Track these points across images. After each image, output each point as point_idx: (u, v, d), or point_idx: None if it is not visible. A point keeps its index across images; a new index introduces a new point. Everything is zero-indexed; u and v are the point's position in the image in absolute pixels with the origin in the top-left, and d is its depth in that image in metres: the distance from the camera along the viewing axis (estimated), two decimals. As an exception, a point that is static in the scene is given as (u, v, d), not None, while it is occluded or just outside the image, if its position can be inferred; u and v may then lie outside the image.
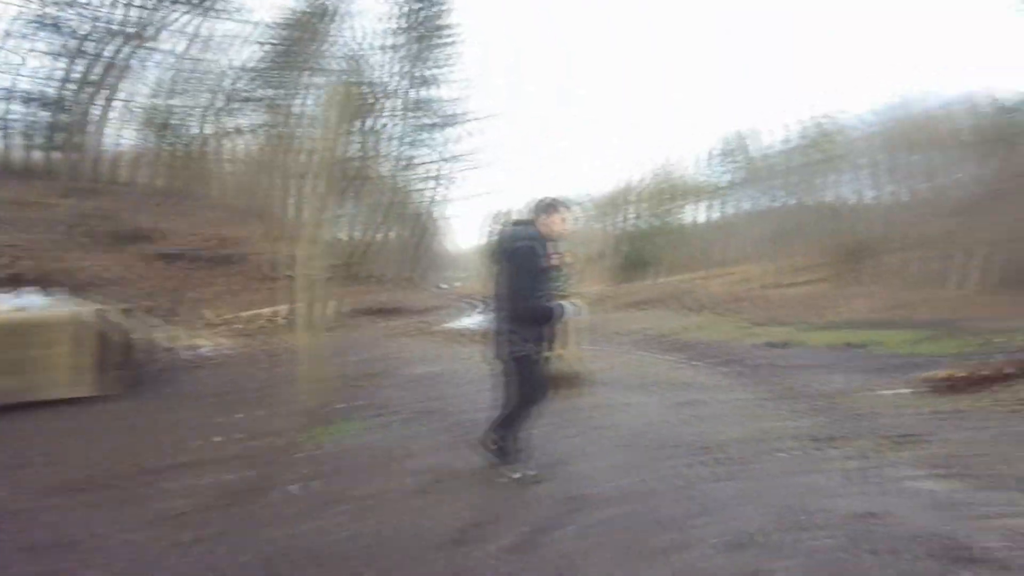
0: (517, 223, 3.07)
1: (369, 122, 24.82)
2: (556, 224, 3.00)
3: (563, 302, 2.96)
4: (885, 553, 2.34)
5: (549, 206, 3.00)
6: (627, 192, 45.84)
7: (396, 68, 26.58)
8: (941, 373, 7.54)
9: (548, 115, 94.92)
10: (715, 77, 75.41)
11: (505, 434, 3.10)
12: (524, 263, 2.81)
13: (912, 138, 33.14)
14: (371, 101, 24.01)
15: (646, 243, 43.73)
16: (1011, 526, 2.66)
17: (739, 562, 2.26)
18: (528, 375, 2.95)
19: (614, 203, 45.99)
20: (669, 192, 45.08)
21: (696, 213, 46.05)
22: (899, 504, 3.00)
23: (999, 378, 7.03)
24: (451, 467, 3.24)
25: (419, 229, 32.47)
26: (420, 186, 31.81)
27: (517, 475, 3.09)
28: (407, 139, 29.22)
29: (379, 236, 28.51)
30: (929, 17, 61.20)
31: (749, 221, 42.78)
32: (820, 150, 38.08)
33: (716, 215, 43.66)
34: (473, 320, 17.16)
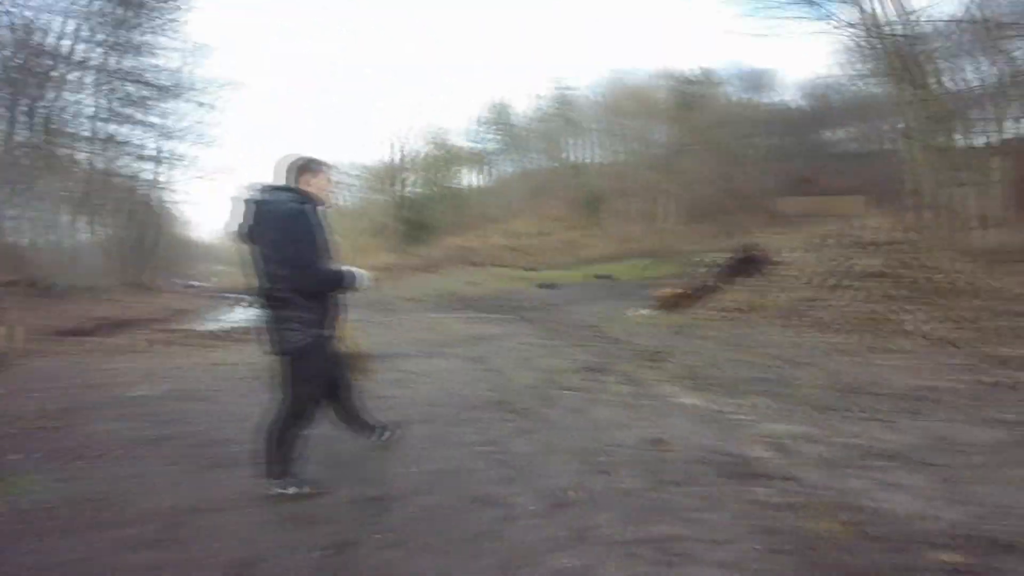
0: (272, 188, 2.48)
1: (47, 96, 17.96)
2: (323, 184, 2.54)
3: (352, 268, 2.50)
4: (687, 484, 2.51)
5: (308, 165, 2.51)
6: (402, 161, 44.96)
7: (86, 33, 19.55)
8: (667, 291, 9.26)
9: (303, 84, 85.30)
10: (475, 47, 77.47)
11: (282, 442, 2.48)
12: (297, 228, 2.33)
13: (625, 106, 40.02)
14: (40, 72, 17.32)
15: (427, 209, 44.05)
16: (766, 433, 3.12)
17: (564, 524, 2.14)
18: (308, 368, 2.46)
19: (389, 172, 44.67)
20: (444, 159, 45.91)
21: (470, 178, 48.17)
22: (675, 425, 3.31)
23: (706, 289, 8.98)
24: (199, 501, 2.41)
25: (144, 221, 25.38)
26: (135, 170, 24.82)
27: (292, 490, 2.47)
28: (107, 116, 22.22)
29: (78, 236, 21.48)
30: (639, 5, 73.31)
31: (513, 182, 46.71)
32: (562, 117, 43.38)
33: (487, 178, 46.34)
34: (234, 318, 14.61)
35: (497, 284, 19.20)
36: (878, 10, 11.24)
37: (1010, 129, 10.47)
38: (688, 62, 54.29)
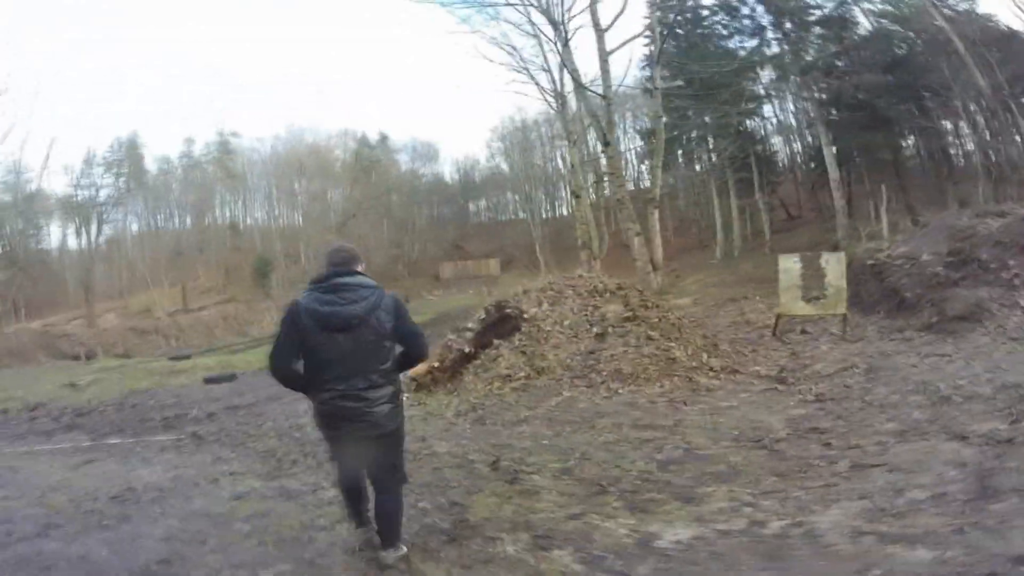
0: (352, 272, 2.41)
1: None
2: None
3: None
4: None
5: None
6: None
7: None
8: (420, 368, 7.09)
9: None
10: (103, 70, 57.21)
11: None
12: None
13: (302, 164, 36.44)
14: None
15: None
16: None
17: None
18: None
19: None
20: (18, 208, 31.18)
21: (67, 235, 33.94)
22: None
23: (464, 358, 7.28)
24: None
25: None
26: None
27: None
28: None
29: None
30: (321, 59, 69.54)
31: (141, 242, 35.55)
32: (221, 168, 36.06)
33: (97, 237, 33.46)
34: None
35: (127, 384, 12.44)
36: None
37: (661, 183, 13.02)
38: (366, 125, 54.64)
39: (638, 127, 31.99)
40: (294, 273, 35.62)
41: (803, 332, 8.72)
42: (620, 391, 5.40)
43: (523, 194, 36.50)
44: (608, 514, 2.93)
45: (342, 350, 2.25)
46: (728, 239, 26.68)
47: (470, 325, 7.59)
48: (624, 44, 13.95)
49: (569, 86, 13.93)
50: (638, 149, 30.93)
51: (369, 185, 35.19)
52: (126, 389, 11.41)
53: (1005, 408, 3.70)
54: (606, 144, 11.48)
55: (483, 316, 7.52)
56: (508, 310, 7.42)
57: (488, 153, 39.49)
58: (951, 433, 3.47)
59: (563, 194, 41.39)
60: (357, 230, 34.08)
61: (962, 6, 17.96)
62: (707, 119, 21.70)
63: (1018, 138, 17.58)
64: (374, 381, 2.30)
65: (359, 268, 2.44)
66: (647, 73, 15.52)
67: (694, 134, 26.73)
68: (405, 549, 2.49)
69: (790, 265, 8.48)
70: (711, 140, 24.18)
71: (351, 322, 2.25)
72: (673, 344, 6.42)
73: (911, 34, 18.81)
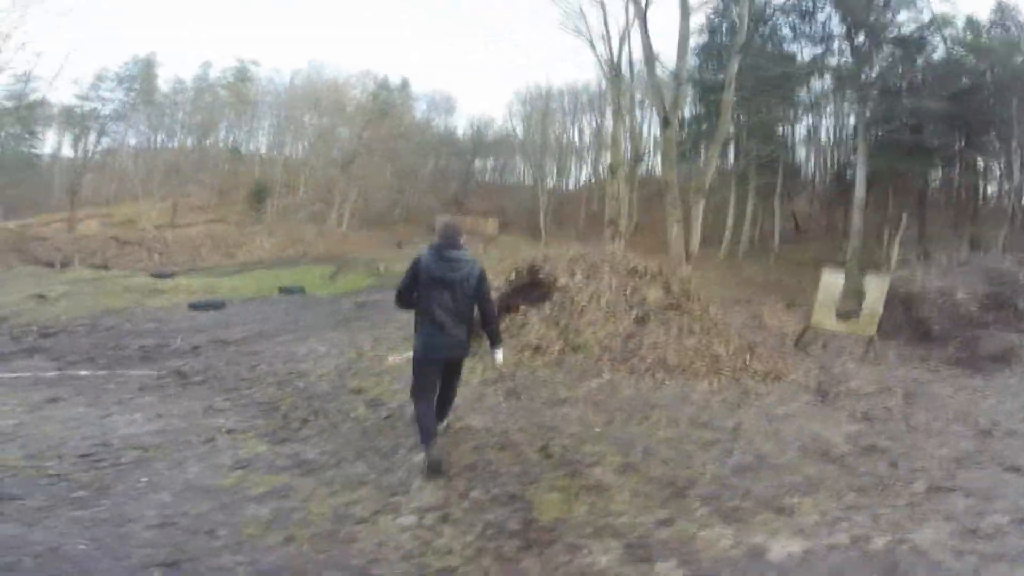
0: (458, 245, 3.26)
1: None
2: None
3: None
4: None
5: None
6: None
7: None
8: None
9: None
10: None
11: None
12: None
13: (318, 98, 34.54)
14: None
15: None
16: None
17: None
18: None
19: None
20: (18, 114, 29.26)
21: (62, 143, 32.16)
22: None
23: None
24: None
25: None
26: None
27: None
28: None
29: None
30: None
31: (137, 157, 33.86)
32: (234, 92, 34.02)
33: (90, 149, 31.67)
34: None
35: (101, 301, 11.44)
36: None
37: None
38: (389, 69, 52.27)
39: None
40: (290, 202, 34.26)
41: (824, 347, 8.41)
42: (666, 382, 4.91)
43: (534, 160, 35.35)
44: (700, 521, 2.59)
45: (443, 298, 3.15)
46: (734, 240, 26.25)
47: (496, 285, 6.97)
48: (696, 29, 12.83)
49: (626, 58, 13.13)
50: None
51: (381, 128, 33.59)
52: (100, 307, 10.55)
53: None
54: (666, 124, 10.70)
55: (512, 277, 6.91)
56: (541, 275, 6.81)
57: (506, 114, 37.94)
58: (1005, 465, 3.50)
59: (572, 168, 40.46)
60: (360, 170, 32.72)
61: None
62: (742, 117, 20.87)
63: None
64: (461, 322, 3.21)
65: (462, 241, 3.28)
66: (695, 62, 14.54)
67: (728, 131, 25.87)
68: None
69: (832, 280, 8.14)
70: (744, 138, 23.31)
71: (452, 282, 3.15)
72: (715, 340, 5.94)
73: (982, 66, 18.10)
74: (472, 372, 5.17)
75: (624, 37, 13.63)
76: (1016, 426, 4.31)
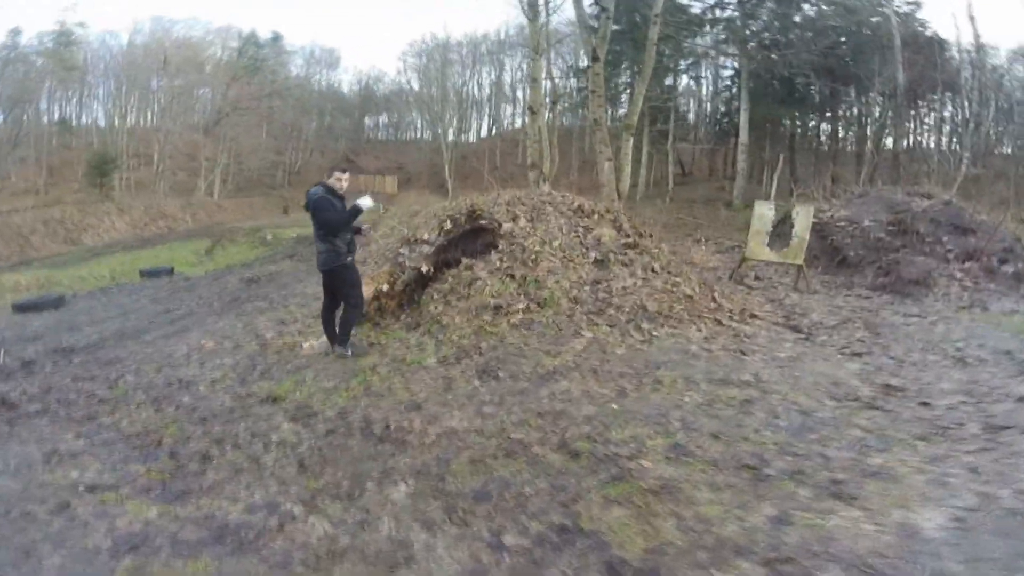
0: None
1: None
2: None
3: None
4: None
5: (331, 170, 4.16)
6: None
7: None
8: (367, 293, 5.14)
9: None
10: None
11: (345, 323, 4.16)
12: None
13: (165, 60, 28.30)
14: None
15: None
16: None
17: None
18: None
19: None
20: None
21: None
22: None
23: (424, 279, 5.43)
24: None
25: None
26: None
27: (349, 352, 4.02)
28: None
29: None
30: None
31: None
32: (55, 60, 26.51)
33: None
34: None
35: None
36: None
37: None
38: (258, 24, 44.49)
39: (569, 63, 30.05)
40: (144, 174, 28.75)
41: (756, 279, 8.40)
42: (654, 333, 4.14)
43: (433, 114, 32.88)
44: (817, 509, 1.99)
45: None
46: (631, 184, 26.85)
47: (426, 237, 5.71)
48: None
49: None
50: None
51: (250, 87, 28.81)
52: None
53: (1019, 373, 3.65)
54: (595, 59, 9.73)
55: (447, 226, 5.68)
56: (483, 220, 5.68)
57: (400, 67, 34.77)
58: (1014, 396, 3.22)
59: (474, 121, 38.49)
60: (229, 133, 28.08)
61: (905, 8, 19.05)
62: (638, 68, 20.73)
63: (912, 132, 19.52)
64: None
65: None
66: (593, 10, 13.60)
67: (624, 79, 25.72)
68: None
69: (765, 211, 8.04)
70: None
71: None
72: (679, 279, 5.32)
73: (851, 26, 19.42)
74: (423, 350, 4.02)
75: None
76: (979, 353, 4.21)
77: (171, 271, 11.49)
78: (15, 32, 28.28)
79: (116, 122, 30.48)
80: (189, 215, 26.07)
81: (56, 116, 31.71)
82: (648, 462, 2.29)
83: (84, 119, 32.42)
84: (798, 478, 2.19)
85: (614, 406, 2.88)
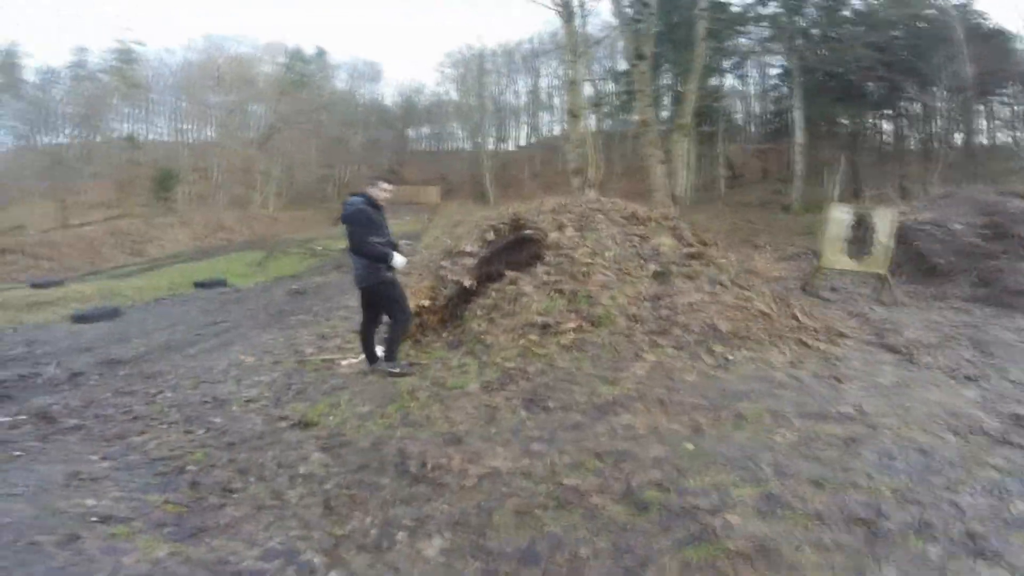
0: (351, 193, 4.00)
1: None
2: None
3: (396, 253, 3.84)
4: None
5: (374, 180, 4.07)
6: None
7: None
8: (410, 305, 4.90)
9: None
10: None
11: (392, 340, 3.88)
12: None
13: (219, 77, 30.13)
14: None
15: None
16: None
17: None
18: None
19: None
20: None
21: None
22: None
23: (465, 294, 5.17)
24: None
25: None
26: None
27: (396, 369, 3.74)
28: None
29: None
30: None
31: (14, 158, 28.68)
32: (120, 78, 28.75)
33: None
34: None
35: None
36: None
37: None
38: (302, 39, 46.86)
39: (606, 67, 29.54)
40: (203, 188, 30.35)
41: (832, 290, 7.62)
42: (729, 357, 3.65)
43: (472, 124, 33.11)
44: (954, 570, 1.67)
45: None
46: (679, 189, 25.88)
47: (469, 248, 5.43)
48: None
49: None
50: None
51: (299, 101, 30.00)
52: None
53: None
54: (639, 57, 9.30)
55: (490, 237, 5.39)
56: (529, 231, 5.34)
57: (439, 78, 35.42)
58: None
59: (512, 130, 38.50)
60: (281, 147, 29.25)
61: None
62: (679, 69, 20.01)
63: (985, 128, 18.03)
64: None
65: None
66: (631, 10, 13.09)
67: (665, 81, 24.99)
68: None
69: (841, 216, 7.25)
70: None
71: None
72: (751, 293, 4.77)
73: (905, 19, 18.15)
74: (465, 373, 3.70)
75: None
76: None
77: (224, 283, 11.83)
78: (81, 50, 30.52)
79: (177, 137, 32.45)
80: (246, 227, 27.27)
81: (124, 132, 34.09)
82: (735, 517, 1.87)
83: (149, 135, 34.76)
84: (925, 532, 1.79)
85: (689, 446, 2.44)
